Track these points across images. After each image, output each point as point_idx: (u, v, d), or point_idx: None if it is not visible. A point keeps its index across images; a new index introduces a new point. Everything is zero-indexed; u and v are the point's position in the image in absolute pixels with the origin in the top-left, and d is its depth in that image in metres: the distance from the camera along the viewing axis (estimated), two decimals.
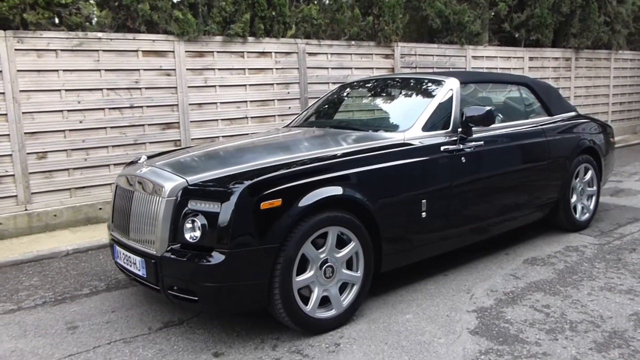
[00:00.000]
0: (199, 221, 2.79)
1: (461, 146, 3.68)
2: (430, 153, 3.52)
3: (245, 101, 6.26)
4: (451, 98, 3.84)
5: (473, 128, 3.77)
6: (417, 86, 4.19)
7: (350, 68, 7.11)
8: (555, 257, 4.21)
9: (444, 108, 3.80)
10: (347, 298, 3.15)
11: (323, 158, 3.12)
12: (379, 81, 4.60)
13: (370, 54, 7.34)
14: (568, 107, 5.06)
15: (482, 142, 3.82)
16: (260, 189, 2.79)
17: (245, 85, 6.24)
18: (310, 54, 6.76)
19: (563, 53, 10.18)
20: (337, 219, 3.01)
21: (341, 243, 3.10)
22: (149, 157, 3.63)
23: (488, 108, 3.67)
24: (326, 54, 6.92)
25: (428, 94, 3.97)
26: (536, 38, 9.51)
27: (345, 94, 4.65)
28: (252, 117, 6.33)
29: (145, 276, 3.01)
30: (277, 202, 2.80)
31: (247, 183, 2.79)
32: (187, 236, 2.83)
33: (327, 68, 6.93)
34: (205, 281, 2.76)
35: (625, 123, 11.84)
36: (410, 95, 4.21)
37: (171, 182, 2.95)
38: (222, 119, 6.12)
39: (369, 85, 4.60)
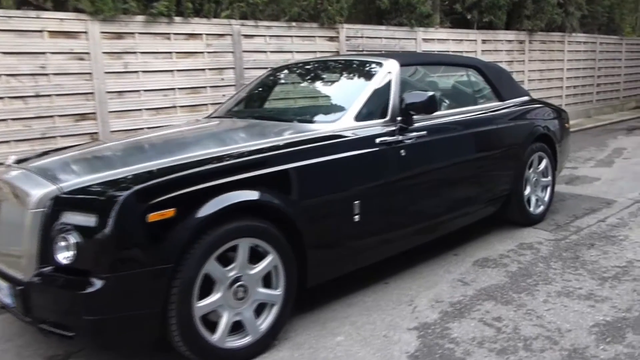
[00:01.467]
0: (73, 238, 2.23)
1: (400, 137, 3.22)
2: (364, 146, 3.04)
3: (173, 88, 5.65)
4: (389, 83, 3.37)
5: (414, 116, 3.31)
6: (352, 70, 3.70)
7: (292, 52, 6.57)
8: (507, 257, 3.82)
9: (381, 94, 3.33)
10: (266, 321, 2.65)
11: (232, 156, 2.59)
12: (311, 65, 4.08)
13: (313, 36, 6.81)
14: (520, 91, 4.66)
15: (424, 132, 3.37)
16: (149, 196, 2.25)
17: (172, 70, 5.63)
18: (246, 36, 6.19)
19: (517, 36, 9.87)
20: (249, 229, 2.51)
21: (257, 256, 2.60)
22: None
23: (430, 93, 3.22)
24: (264, 36, 6.35)
25: (363, 79, 3.49)
26: (489, 20, 9.16)
27: (274, 79, 4.11)
28: (181, 107, 5.73)
29: (13, 306, 2.45)
30: (170, 212, 2.27)
31: (131, 190, 2.24)
32: (60, 257, 2.27)
33: (266, 52, 6.37)
34: (81, 313, 2.22)
35: (579, 107, 11.69)
36: (343, 80, 3.72)
37: (40, 190, 2.37)
38: (146, 109, 5.50)
39: (300, 69, 4.07)
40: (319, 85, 3.85)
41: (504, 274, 3.53)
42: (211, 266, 2.40)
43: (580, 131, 10.02)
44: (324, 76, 3.84)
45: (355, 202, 2.96)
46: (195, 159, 2.50)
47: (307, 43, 6.75)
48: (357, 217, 2.97)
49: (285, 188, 2.66)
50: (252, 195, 2.50)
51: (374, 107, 3.28)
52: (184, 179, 2.35)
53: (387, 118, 3.25)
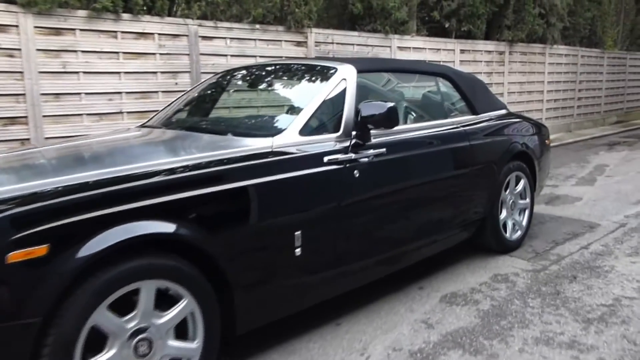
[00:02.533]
0: None
1: (354, 155, 2.74)
2: (309, 165, 2.55)
3: (120, 92, 5.13)
4: (344, 91, 2.89)
5: (372, 131, 2.85)
6: (303, 75, 3.22)
7: (255, 56, 6.08)
8: (480, 292, 3.35)
9: (334, 104, 2.86)
10: None
11: (135, 177, 2.08)
12: (259, 69, 3.57)
13: (279, 40, 6.34)
14: (497, 104, 4.22)
15: (383, 150, 2.90)
16: (11, 229, 1.74)
17: (119, 72, 5.10)
18: (204, 37, 5.69)
19: (496, 46, 9.52)
20: (153, 268, 2.00)
21: (169, 300, 2.10)
22: None
23: (390, 105, 2.75)
24: (225, 38, 5.86)
25: (313, 86, 3.02)
26: (468, 29, 8.78)
27: (217, 85, 3.59)
28: (129, 112, 5.20)
29: None
30: (41, 250, 1.76)
31: None
32: None
33: (226, 55, 5.88)
34: None
35: (560, 121, 11.38)
36: (292, 87, 3.23)
37: None
38: (88, 114, 4.96)
39: (247, 74, 3.57)
40: (264, 92, 3.36)
41: (474, 313, 3.06)
42: (101, 317, 1.89)
43: (561, 146, 9.67)
44: (271, 82, 3.35)
45: (297, 232, 2.47)
46: (86, 180, 1.98)
47: (272, 47, 6.27)
48: (298, 251, 2.48)
49: (202, 217, 2.16)
50: (157, 226, 2.00)
51: (324, 119, 2.81)
52: (63, 206, 1.84)
53: (340, 133, 2.77)
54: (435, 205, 3.34)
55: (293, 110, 2.82)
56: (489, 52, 9.38)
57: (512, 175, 3.98)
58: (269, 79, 3.36)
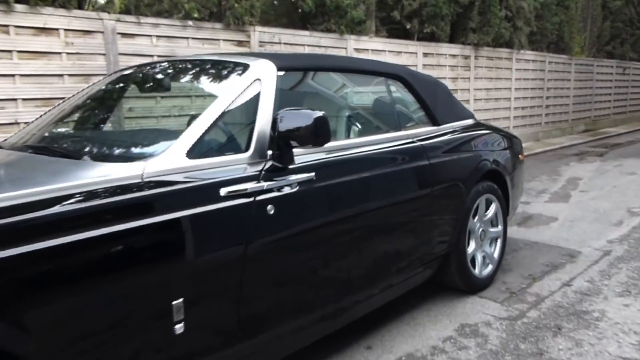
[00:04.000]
0: None
1: (266, 184, 1.98)
2: (197, 202, 1.77)
3: (15, 99, 4.26)
4: (257, 96, 2.12)
5: (297, 149, 2.09)
6: (207, 76, 2.43)
7: None
8: (443, 353, 2.62)
9: (242, 114, 2.10)
10: None
11: None
12: (153, 69, 2.72)
13: (217, 39, 5.55)
14: (462, 112, 3.52)
15: (311, 174, 2.14)
16: None
17: (13, 75, 4.24)
18: (124, 34, 4.86)
19: (462, 50, 8.92)
20: None
21: None
22: None
23: (318, 115, 2.00)
24: (150, 36, 5.05)
25: (217, 89, 2.24)
26: (431, 31, 8.14)
27: (108, 89, 2.76)
28: (27, 123, 4.32)
29: None
30: None
31: None
32: None
33: (152, 56, 5.06)
34: None
35: (528, 129, 10.86)
36: (190, 92, 2.45)
37: None
38: None
39: (142, 75, 2.73)
40: (153, 99, 2.56)
41: None
42: None
43: (530, 156, 9.11)
44: (167, 85, 2.54)
45: (176, 301, 1.69)
46: None
47: (208, 47, 5.47)
48: (180, 327, 1.70)
49: (13, 292, 1.36)
50: None
51: (228, 134, 2.04)
52: None
53: (250, 153, 2.01)
54: (386, 243, 2.60)
55: (180, 123, 2.03)
56: (454, 56, 8.77)
57: (481, 198, 3.28)
58: (165, 81, 2.56)
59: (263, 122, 2.08)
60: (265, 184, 1.97)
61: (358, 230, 2.41)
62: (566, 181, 7.04)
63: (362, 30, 7.13)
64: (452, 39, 8.88)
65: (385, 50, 7.52)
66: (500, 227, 3.52)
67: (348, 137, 2.71)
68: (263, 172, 1.99)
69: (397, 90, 3.02)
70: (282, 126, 2.01)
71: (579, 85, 12.64)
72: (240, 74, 2.19)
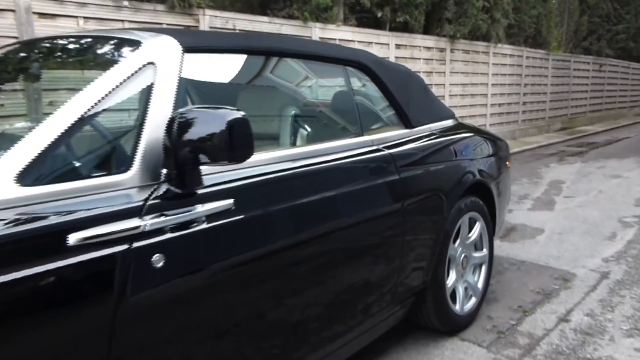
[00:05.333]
0: None
1: (150, 222, 1.30)
2: (25, 260, 1.09)
3: None
4: (149, 89, 1.44)
5: (205, 166, 1.41)
6: (83, 56, 1.73)
7: None
8: None
9: (121, 115, 1.42)
10: None
11: None
12: (20, 50, 2.02)
13: (159, 23, 4.82)
14: (441, 111, 2.88)
15: (228, 202, 1.47)
16: None
17: None
18: (43, 15, 4.10)
19: (437, 42, 8.32)
20: None
21: None
22: None
23: (235, 116, 1.33)
24: (76, 17, 4.29)
25: (89, 76, 1.54)
26: (404, 20, 7.52)
27: None
28: None
29: None
30: None
31: None
32: None
33: None
34: None
35: (505, 127, 10.36)
36: (53, 80, 1.76)
37: None
38: None
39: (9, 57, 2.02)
40: (13, 92, 1.84)
41: None
42: None
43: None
44: (37, 74, 1.83)
45: None
46: None
47: None
48: None
49: None
50: None
51: (93, 146, 1.36)
52: None
53: (131, 173, 1.33)
54: (342, 288, 1.95)
55: (27, 129, 1.35)
56: (429, 48, 8.17)
57: (464, 218, 2.66)
58: (35, 67, 1.84)
59: (154, 127, 1.40)
60: (149, 222, 1.29)
61: (299, 279, 1.75)
62: (548, 185, 6.50)
63: (329, 18, 6.46)
64: (426, 30, 8.28)
65: (354, 41, 6.87)
66: (485, 251, 2.91)
67: (290, 145, 2.04)
68: (149, 203, 1.32)
69: (360, 82, 2.36)
70: (184, 132, 1.34)
71: (556, 82, 12.21)
72: (125, 56, 1.50)
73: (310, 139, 2.09)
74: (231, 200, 1.48)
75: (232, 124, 1.33)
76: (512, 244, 4.20)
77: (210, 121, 1.34)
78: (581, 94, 13.63)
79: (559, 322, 2.85)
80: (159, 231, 1.31)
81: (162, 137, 1.39)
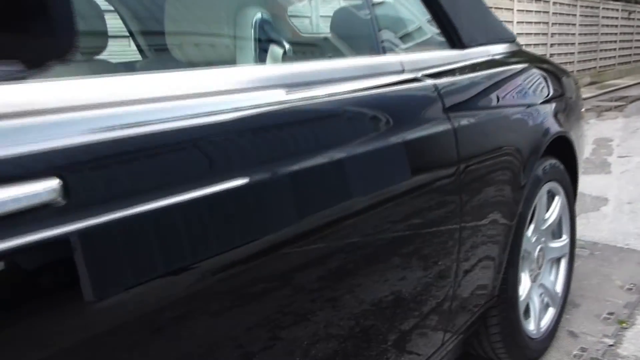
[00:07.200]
0: None
1: None
2: None
3: None
4: None
5: None
6: None
7: None
8: None
9: None
10: None
11: None
12: None
13: None
14: (499, 29, 1.90)
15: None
16: None
17: None
18: None
19: None
20: None
21: None
22: None
23: None
24: None
25: None
26: None
27: None
28: None
29: None
30: None
31: None
32: None
33: None
34: None
35: None
36: None
37: None
38: None
39: None
40: None
41: None
42: None
43: None
44: None
45: None
46: None
47: None
48: None
49: None
50: None
51: None
52: None
53: None
54: (357, 307, 1.02)
55: None
56: None
57: (542, 191, 1.71)
58: None
59: None
60: None
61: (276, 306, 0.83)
62: (595, 144, 5.52)
63: None
64: None
65: None
66: (565, 238, 1.97)
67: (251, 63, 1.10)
68: None
69: None
70: None
71: (585, 31, 11.05)
72: None
73: (297, 57, 1.15)
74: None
75: None
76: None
77: None
78: (610, 45, 12.46)
79: None
80: None
81: None
